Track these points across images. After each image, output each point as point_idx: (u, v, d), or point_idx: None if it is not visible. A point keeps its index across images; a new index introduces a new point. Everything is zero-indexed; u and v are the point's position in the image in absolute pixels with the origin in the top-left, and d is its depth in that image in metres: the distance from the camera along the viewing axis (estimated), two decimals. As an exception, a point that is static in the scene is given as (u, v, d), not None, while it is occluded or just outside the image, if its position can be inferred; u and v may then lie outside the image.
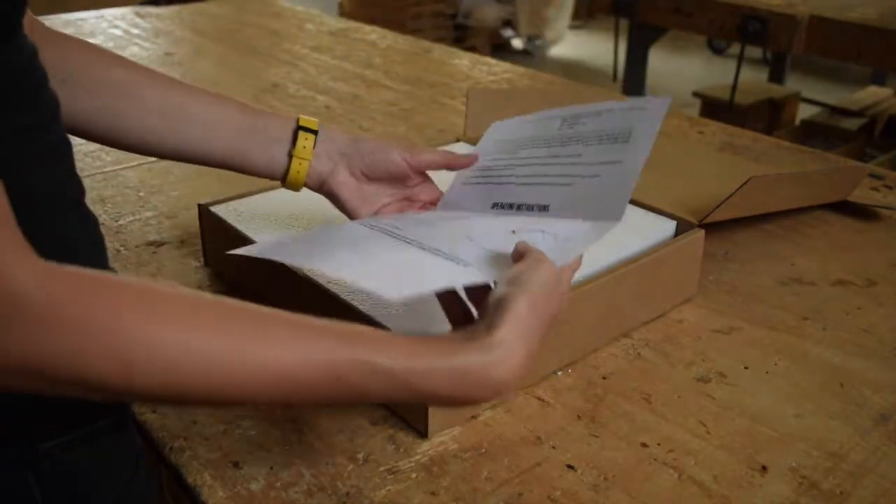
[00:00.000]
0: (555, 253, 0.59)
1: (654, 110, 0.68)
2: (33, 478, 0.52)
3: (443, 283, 0.57)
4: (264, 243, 0.65)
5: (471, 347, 0.49)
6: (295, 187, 0.73)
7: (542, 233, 0.64)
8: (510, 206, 0.70)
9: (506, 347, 0.49)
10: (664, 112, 0.67)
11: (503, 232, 0.64)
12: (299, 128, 0.71)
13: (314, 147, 0.71)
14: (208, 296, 0.46)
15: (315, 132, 0.71)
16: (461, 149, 0.99)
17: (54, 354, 0.39)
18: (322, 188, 0.73)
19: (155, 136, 0.70)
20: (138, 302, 0.42)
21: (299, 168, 0.71)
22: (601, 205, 0.66)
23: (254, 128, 0.71)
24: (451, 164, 0.74)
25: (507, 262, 0.58)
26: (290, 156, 0.71)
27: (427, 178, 0.75)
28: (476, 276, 0.57)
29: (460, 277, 0.57)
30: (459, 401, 0.50)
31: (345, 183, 0.72)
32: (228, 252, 0.62)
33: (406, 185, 0.74)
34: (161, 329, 0.41)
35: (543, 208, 0.69)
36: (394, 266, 0.58)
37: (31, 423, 0.51)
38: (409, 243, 0.62)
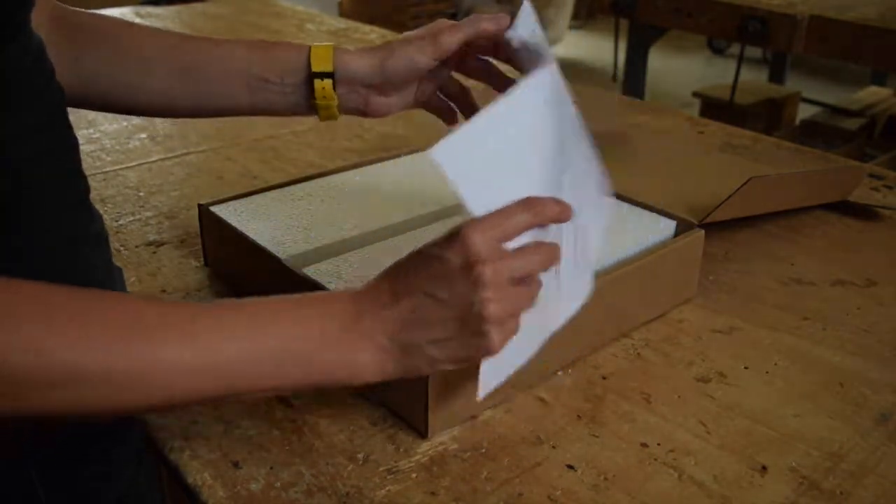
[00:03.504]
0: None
1: (523, 20, 0.65)
2: (37, 475, 0.52)
3: None
4: None
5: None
6: (333, 120, 0.72)
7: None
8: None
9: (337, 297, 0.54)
10: (532, 15, 0.65)
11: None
12: (313, 74, 0.69)
13: (335, 88, 0.69)
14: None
15: (331, 74, 0.69)
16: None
17: None
18: (359, 114, 0.73)
19: (175, 102, 0.71)
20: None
21: (327, 111, 0.71)
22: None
23: (269, 79, 0.70)
24: (481, 33, 0.69)
25: None
26: (315, 104, 0.70)
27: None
28: None
29: None
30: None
31: (381, 104, 0.72)
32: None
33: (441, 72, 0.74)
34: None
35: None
36: None
37: (34, 420, 0.51)
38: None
